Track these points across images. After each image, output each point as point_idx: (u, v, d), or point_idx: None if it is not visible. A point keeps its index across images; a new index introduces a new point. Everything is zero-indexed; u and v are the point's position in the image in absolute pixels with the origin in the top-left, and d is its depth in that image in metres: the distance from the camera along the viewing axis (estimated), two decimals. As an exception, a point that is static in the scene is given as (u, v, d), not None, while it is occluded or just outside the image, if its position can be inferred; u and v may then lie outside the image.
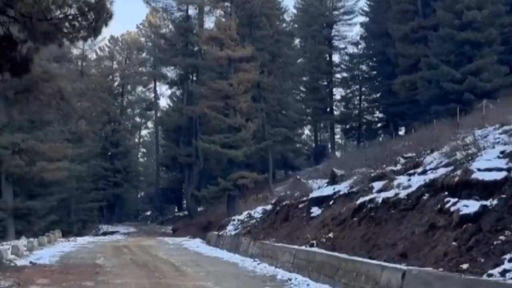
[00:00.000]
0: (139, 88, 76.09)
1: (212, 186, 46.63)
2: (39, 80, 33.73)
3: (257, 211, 29.19)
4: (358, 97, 72.22)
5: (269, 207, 27.72)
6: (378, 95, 67.55)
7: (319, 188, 23.97)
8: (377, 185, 17.90)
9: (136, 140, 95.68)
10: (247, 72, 46.62)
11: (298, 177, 26.57)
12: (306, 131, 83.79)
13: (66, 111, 35.70)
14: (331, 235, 17.72)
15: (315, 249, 17.07)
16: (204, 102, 47.40)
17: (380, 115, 68.53)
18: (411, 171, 17.59)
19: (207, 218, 49.31)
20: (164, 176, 70.89)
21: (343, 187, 21.35)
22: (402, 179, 16.90)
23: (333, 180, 23.64)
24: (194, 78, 57.32)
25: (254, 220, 27.68)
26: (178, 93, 62.22)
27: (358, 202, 17.11)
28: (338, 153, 67.34)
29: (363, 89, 71.06)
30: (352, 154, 26.01)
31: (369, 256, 13.97)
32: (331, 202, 20.63)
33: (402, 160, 20.17)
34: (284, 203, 24.24)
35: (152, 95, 72.39)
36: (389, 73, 58.44)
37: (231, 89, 46.09)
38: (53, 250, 24.86)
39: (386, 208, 15.20)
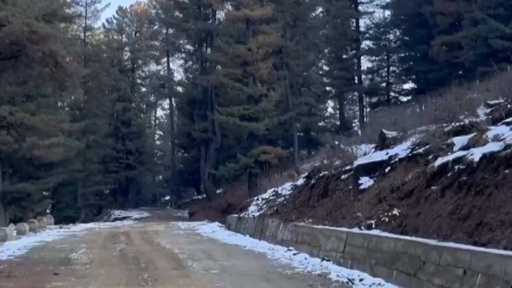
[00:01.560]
0: (151, 64, 71.11)
1: (231, 164, 41.64)
2: (26, 41, 28.87)
3: (285, 188, 24.15)
4: (386, 68, 66.60)
5: (300, 181, 22.67)
6: (410, 63, 61.67)
7: (365, 154, 18.81)
8: (460, 140, 12.72)
9: (152, 122, 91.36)
10: (267, 35, 41.30)
11: (336, 142, 21.34)
12: (330, 109, 78.66)
13: (61, 79, 30.65)
14: (395, 212, 12.62)
15: (376, 232, 12.00)
16: (220, 70, 42.29)
17: (412, 85, 62.91)
18: (507, 120, 12.50)
19: (226, 200, 44.48)
20: (181, 157, 65.86)
21: (400, 150, 16.21)
22: (499, 130, 11.79)
23: (383, 143, 18.49)
24: (209, 49, 51.97)
25: (282, 198, 22.63)
26: (191, 63, 57.01)
27: (437, 164, 11.94)
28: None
29: (393, 57, 65.38)
30: (396, 115, 20.64)
31: (474, 241, 8.89)
32: (387, 169, 15.50)
33: (485, 110, 14.93)
34: (321, 175, 19.12)
35: (165, 70, 67.30)
36: (423, 37, 52.71)
37: (249, 54, 40.88)
38: (29, 240, 20.06)
39: (491, 168, 10.02)
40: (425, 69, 54.44)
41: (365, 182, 16.04)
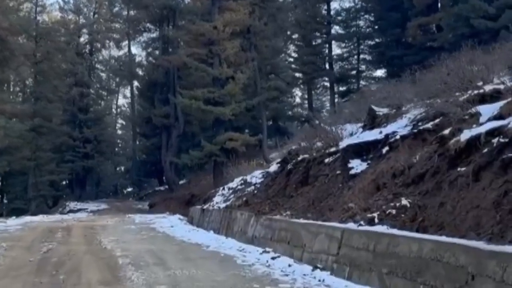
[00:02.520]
0: (112, 49, 67.09)
1: (194, 152, 38.31)
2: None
3: (255, 176, 21.10)
4: (356, 56, 63.99)
5: (273, 168, 19.64)
6: (382, 48, 59.07)
7: (352, 134, 15.86)
8: (487, 109, 9.85)
9: (114, 110, 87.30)
10: (235, 12, 38.06)
11: (317, 121, 18.38)
12: (297, 98, 76.00)
13: (2, 54, 26.92)
14: (405, 202, 9.66)
15: (383, 228, 9.00)
16: (183, 50, 38.87)
17: (384, 72, 60.42)
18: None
19: (190, 191, 41.22)
20: (141, 145, 61.96)
21: (397, 128, 13.30)
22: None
23: (372, 122, 15.60)
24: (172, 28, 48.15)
25: (253, 187, 19.59)
26: (153, 44, 53.13)
27: (464, 138, 8.98)
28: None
29: (364, 44, 62.78)
30: (386, 91, 17.69)
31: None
32: (384, 150, 12.55)
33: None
34: (299, 159, 16.08)
35: (126, 54, 63.25)
36: (397, 20, 50.17)
37: (215, 33, 37.58)
38: None
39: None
40: (399, 54, 51.85)
41: (357, 166, 13.10)
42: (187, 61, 38.09)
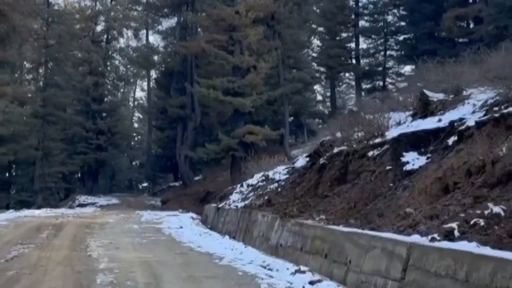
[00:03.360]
0: (130, 38, 64.71)
1: (211, 145, 35.65)
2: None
3: (279, 172, 18.36)
4: (383, 52, 60.92)
5: (300, 162, 16.92)
6: (413, 42, 55.88)
7: (399, 123, 13.09)
8: None
9: (131, 103, 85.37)
10: (259, -4, 35.42)
11: (354, 108, 15.60)
12: (318, 96, 73.22)
13: (3, 31, 24.51)
14: (497, 209, 6.89)
15: (471, 246, 6.22)
16: (202, 36, 36.25)
17: (413, 67, 57.24)
18: None
19: (205, 187, 38.66)
20: (156, 138, 59.38)
21: (463, 114, 10.51)
22: None
23: (425, 109, 12.82)
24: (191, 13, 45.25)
25: (276, 185, 16.85)
26: (170, 31, 50.45)
27: None
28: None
29: (392, 40, 59.72)
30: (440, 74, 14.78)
31: None
32: (451, 141, 9.75)
33: None
34: (335, 152, 13.31)
35: (143, 43, 60.80)
36: (430, 13, 47.18)
37: (237, 18, 34.92)
38: None
39: None
40: (432, 48, 48.73)
41: (413, 160, 10.35)
42: (206, 48, 35.46)
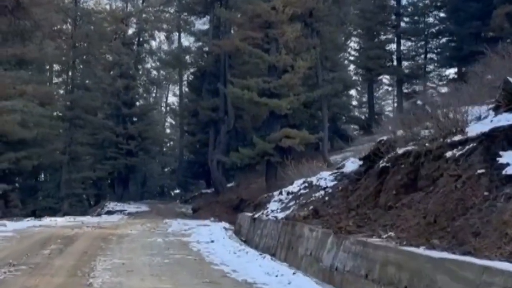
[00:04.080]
0: (161, 41, 63.09)
1: (245, 149, 33.40)
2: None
3: (324, 178, 15.91)
4: (423, 54, 57.97)
5: (351, 166, 14.49)
6: (458, 44, 52.89)
7: (480, 118, 10.58)
8: None
9: (163, 109, 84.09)
10: (296, -7, 33.17)
11: (418, 101, 13.14)
12: (354, 101, 70.66)
13: (24, 26, 22.68)
14: None
15: None
16: (236, 33, 34.10)
17: (455, 71, 54.31)
18: None
19: (238, 194, 36.57)
20: (188, 143, 57.36)
21: None
22: None
23: (510, 100, 10.27)
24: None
25: (322, 192, 14.44)
26: (202, 31, 48.39)
27: None
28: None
29: (433, 42, 56.80)
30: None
31: None
32: None
33: None
34: (400, 152, 10.84)
35: (175, 45, 58.98)
36: (476, 12, 44.27)
37: (273, 14, 32.74)
38: None
39: None
40: (480, 49, 45.56)
41: (515, 161, 7.83)
42: (240, 46, 33.35)
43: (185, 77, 59.04)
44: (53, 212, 38.35)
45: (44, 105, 30.68)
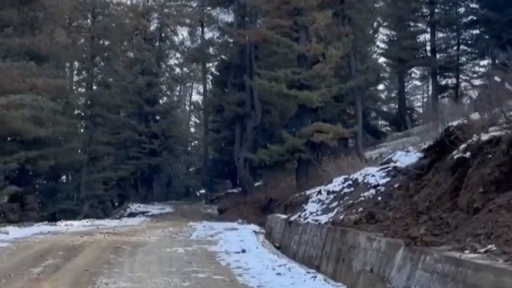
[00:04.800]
0: (184, 37, 61.21)
1: (274, 146, 31.16)
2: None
3: (372, 174, 13.58)
4: (456, 45, 55.14)
5: (405, 160, 12.14)
6: (493, 32, 50.03)
7: None
8: None
9: (187, 107, 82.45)
10: (326, -24, 30.88)
11: (496, 78, 10.68)
12: (382, 95, 68.07)
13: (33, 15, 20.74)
14: None
15: None
16: (263, 22, 31.89)
17: (489, 62, 51.41)
18: None
19: (267, 194, 34.42)
20: (212, 140, 55.28)
21: None
22: None
23: None
24: None
25: (373, 191, 12.13)
26: (226, 24, 46.21)
27: None
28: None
29: (467, 32, 54.01)
30: None
31: None
32: None
33: None
34: (484, 139, 8.45)
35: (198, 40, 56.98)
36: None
37: (302, 0, 30.49)
38: None
39: None
40: (514, 41, 42.85)
41: None
42: (268, 35, 31.14)
43: (208, 73, 57.24)
44: (73, 215, 36.59)
45: (56, 100, 28.78)
